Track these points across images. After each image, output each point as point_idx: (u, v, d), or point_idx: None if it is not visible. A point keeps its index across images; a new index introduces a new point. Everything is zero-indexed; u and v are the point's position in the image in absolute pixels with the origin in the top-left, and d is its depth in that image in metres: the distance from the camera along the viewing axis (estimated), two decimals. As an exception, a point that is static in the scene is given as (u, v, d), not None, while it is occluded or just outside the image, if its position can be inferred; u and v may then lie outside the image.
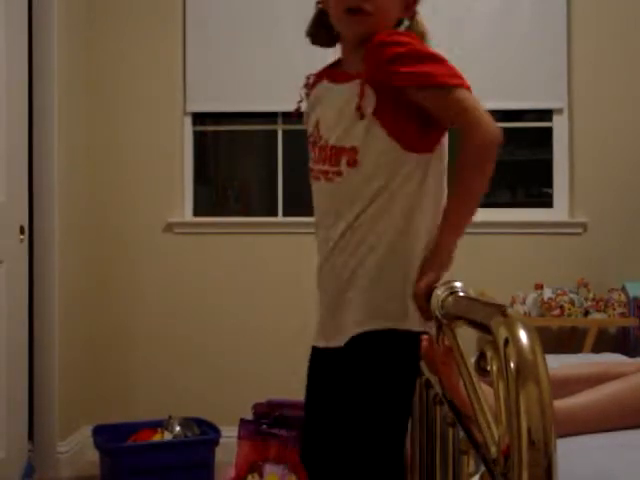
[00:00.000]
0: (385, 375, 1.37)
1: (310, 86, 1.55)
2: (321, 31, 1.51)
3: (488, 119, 1.33)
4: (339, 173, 1.40)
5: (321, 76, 1.52)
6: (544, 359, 0.72)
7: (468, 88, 1.35)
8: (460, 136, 1.36)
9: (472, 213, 1.38)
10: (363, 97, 1.35)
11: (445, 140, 1.44)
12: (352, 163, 1.38)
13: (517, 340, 0.73)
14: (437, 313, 1.17)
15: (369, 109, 1.35)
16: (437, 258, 1.38)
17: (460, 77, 1.35)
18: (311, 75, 1.56)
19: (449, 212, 1.38)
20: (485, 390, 1.01)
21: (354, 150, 1.37)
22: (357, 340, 1.38)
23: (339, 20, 1.44)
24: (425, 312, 1.32)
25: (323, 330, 1.47)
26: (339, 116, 1.40)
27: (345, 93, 1.40)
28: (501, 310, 0.80)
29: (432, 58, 1.35)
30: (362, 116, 1.35)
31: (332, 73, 1.49)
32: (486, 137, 1.32)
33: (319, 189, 1.47)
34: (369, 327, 1.37)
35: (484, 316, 0.84)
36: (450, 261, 1.40)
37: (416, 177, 1.37)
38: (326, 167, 1.42)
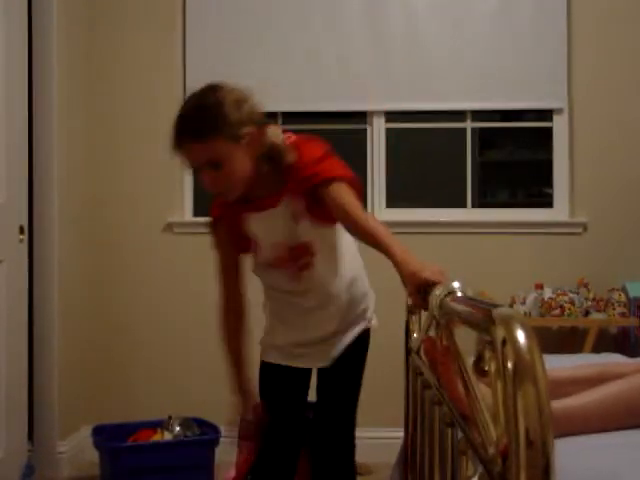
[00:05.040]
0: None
1: (216, 221, 2.02)
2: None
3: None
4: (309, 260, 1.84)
5: (238, 211, 1.88)
6: (542, 359, 0.72)
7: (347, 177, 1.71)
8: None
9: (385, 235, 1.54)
10: (297, 207, 1.75)
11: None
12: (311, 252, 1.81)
13: (514, 340, 0.73)
14: (435, 313, 1.16)
15: (302, 210, 1.75)
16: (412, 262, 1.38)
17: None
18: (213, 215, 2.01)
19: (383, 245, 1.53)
20: (483, 390, 1.00)
21: (308, 243, 1.80)
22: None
23: None
24: (416, 299, 1.29)
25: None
26: (287, 227, 1.78)
27: (281, 212, 1.77)
28: (498, 310, 0.80)
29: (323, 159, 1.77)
30: (299, 220, 1.76)
31: (251, 206, 1.83)
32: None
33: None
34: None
35: (482, 316, 0.84)
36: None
37: (337, 238, 1.85)
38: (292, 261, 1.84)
